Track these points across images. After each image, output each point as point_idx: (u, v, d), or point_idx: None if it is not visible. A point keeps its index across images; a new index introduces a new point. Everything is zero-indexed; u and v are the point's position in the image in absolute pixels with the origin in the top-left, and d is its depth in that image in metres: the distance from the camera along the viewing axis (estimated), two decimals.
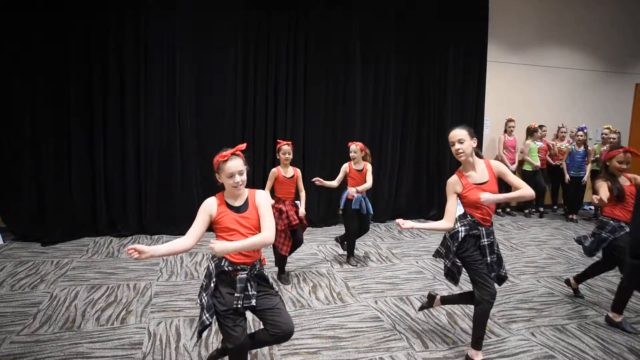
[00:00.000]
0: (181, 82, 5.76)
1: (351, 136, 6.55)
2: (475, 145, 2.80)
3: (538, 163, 7.19)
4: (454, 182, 2.83)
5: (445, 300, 3.23)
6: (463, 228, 2.82)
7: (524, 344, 3.14)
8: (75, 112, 5.39)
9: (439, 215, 7.01)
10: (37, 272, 4.32)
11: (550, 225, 6.85)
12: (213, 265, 2.32)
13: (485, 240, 2.82)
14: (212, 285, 2.29)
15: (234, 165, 2.25)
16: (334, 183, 4.71)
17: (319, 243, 5.62)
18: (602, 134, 7.36)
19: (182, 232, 5.92)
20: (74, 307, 3.57)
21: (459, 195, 2.83)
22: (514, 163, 7.27)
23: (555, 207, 7.80)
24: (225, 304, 2.27)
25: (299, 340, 3.11)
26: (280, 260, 4.25)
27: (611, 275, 4.47)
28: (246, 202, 2.33)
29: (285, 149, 4.21)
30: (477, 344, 2.84)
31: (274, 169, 4.25)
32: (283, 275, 4.28)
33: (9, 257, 4.78)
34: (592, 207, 7.84)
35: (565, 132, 7.49)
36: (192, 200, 5.77)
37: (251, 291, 2.30)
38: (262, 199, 2.36)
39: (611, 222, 3.49)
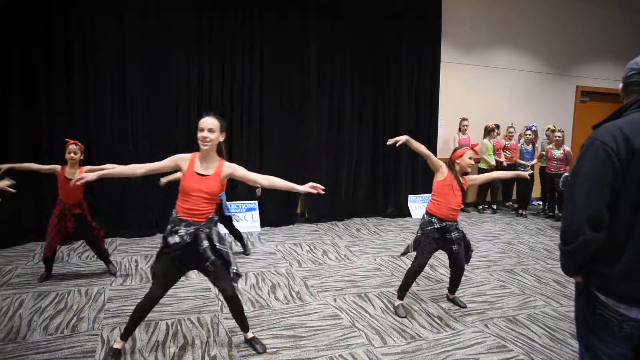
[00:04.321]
0: (132, 84, 5.58)
1: (307, 136, 6.58)
2: (222, 139, 2.81)
3: (493, 162, 7.45)
4: (183, 157, 2.78)
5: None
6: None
7: (478, 335, 3.25)
8: (17, 109, 5.10)
9: (396, 213, 7.16)
10: None
11: (502, 221, 7.12)
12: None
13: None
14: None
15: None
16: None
17: (278, 242, 5.60)
18: (546, 132, 7.74)
19: (135, 233, 5.78)
20: (18, 316, 3.38)
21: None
22: None
23: (509, 203, 8.11)
24: None
25: None
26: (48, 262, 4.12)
27: (558, 266, 4.70)
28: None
29: (71, 148, 3.94)
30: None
31: (57, 166, 3.97)
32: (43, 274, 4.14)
33: None
34: (540, 202, 8.20)
35: (513, 132, 7.79)
36: (144, 202, 5.61)
37: None
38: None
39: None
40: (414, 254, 3.61)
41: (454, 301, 3.82)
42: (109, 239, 5.47)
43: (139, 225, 5.68)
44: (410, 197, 7.33)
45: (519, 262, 5.01)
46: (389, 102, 7.10)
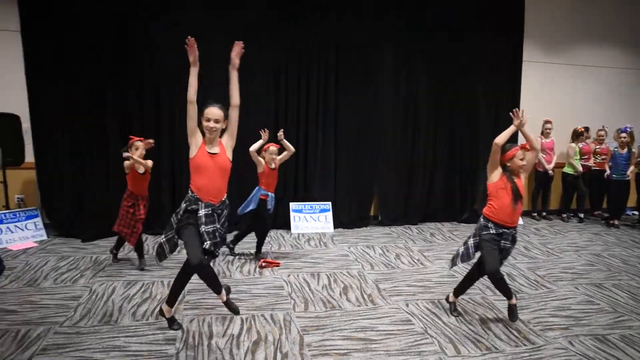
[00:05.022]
0: (213, 88, 5.85)
1: (383, 138, 6.53)
2: (224, 127, 3.10)
3: (580, 167, 6.96)
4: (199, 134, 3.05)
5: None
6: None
7: (562, 352, 3.04)
8: (112, 116, 5.57)
9: (473, 219, 6.90)
10: (77, 267, 4.49)
11: (589, 231, 6.61)
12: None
13: None
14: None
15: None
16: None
17: (350, 244, 5.61)
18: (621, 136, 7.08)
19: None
20: (111, 301, 3.68)
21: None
22: (551, 164, 7.06)
23: (598, 212, 7.50)
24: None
25: (329, 342, 3.11)
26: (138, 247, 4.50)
27: None
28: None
29: (137, 144, 4.33)
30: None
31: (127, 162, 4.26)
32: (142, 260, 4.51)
33: (52, 252, 4.98)
34: (636, 212, 7.52)
35: (604, 135, 7.21)
36: (168, 201, 5.88)
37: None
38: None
39: None
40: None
41: (453, 304, 3.63)
42: None
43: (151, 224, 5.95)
44: None
45: (610, 277, 4.62)
46: (466, 102, 6.85)
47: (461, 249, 3.43)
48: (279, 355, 2.92)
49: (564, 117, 7.41)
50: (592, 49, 7.57)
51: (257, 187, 4.70)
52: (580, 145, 7.08)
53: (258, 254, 4.87)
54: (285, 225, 6.22)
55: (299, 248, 5.41)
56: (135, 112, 5.66)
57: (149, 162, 4.32)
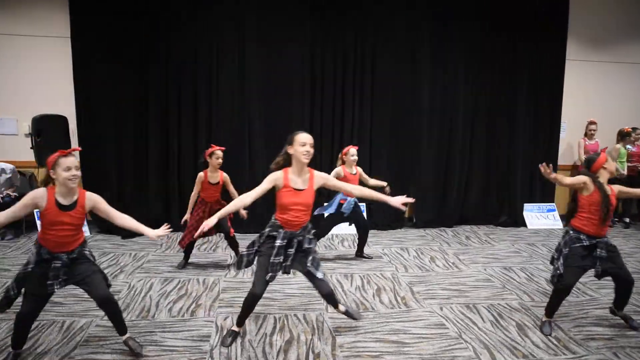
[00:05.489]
0: (249, 90, 5.96)
1: (418, 140, 6.46)
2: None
3: (624, 171, 6.66)
4: (277, 176, 2.95)
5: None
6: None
7: None
8: (153, 120, 5.77)
9: (509, 222, 6.72)
10: (117, 263, 4.65)
11: (637, 237, 6.31)
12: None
13: None
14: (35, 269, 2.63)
15: (72, 161, 2.56)
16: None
17: (384, 246, 5.57)
18: None
19: (248, 230, 6.15)
20: (149, 297, 3.79)
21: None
22: None
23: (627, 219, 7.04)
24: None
25: (361, 343, 3.10)
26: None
27: None
28: (75, 202, 2.63)
29: (218, 153, 4.36)
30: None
31: (200, 173, 4.40)
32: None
33: (94, 247, 5.16)
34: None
35: None
36: (260, 201, 5.93)
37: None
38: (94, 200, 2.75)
39: None
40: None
41: (624, 318, 3.45)
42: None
43: (252, 223, 6.03)
44: (526, 206, 6.82)
45: None
46: (505, 103, 6.68)
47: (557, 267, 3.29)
48: (311, 356, 2.93)
49: (610, 117, 7.10)
50: (638, 46, 7.22)
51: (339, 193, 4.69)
52: (629, 147, 6.77)
53: (359, 252, 5.07)
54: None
55: (333, 249, 5.41)
56: (174, 115, 5.82)
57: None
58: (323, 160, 6.11)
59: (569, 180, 3.28)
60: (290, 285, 4.13)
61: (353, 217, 4.82)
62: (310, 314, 3.54)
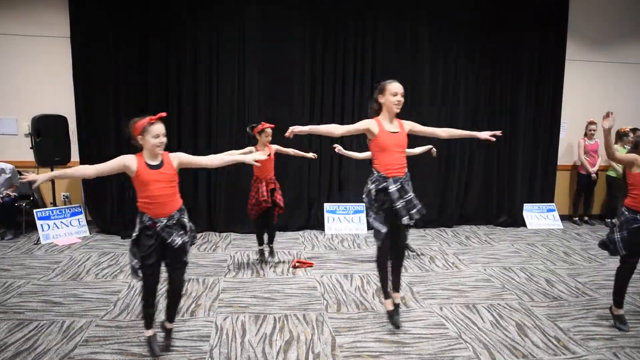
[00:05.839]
0: (250, 86, 5.96)
1: (418, 139, 6.41)
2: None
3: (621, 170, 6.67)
4: (370, 122, 3.16)
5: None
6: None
7: None
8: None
9: (509, 222, 6.72)
10: (117, 263, 4.65)
11: None
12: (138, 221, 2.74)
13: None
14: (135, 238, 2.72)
15: (160, 128, 2.69)
16: (357, 155, 4.75)
17: None
18: None
19: (249, 230, 6.14)
20: None
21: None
22: (594, 167, 6.79)
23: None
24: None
25: (361, 343, 3.10)
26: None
27: None
28: (162, 162, 2.75)
29: (268, 131, 4.44)
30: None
31: (251, 148, 4.38)
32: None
33: (93, 247, 5.18)
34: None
35: None
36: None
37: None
38: (177, 156, 2.87)
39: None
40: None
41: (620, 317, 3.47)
42: (224, 234, 5.91)
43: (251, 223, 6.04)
44: (526, 206, 6.82)
45: None
46: (505, 102, 6.68)
47: (614, 241, 3.43)
48: (310, 356, 2.93)
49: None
50: (638, 46, 7.22)
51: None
52: (626, 147, 6.77)
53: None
54: (319, 225, 6.24)
55: (333, 249, 5.41)
56: (174, 114, 5.81)
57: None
58: (323, 155, 6.08)
59: (619, 155, 3.39)
60: (290, 285, 4.13)
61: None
62: (310, 314, 3.54)
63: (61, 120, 5.56)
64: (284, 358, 2.89)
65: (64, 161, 5.60)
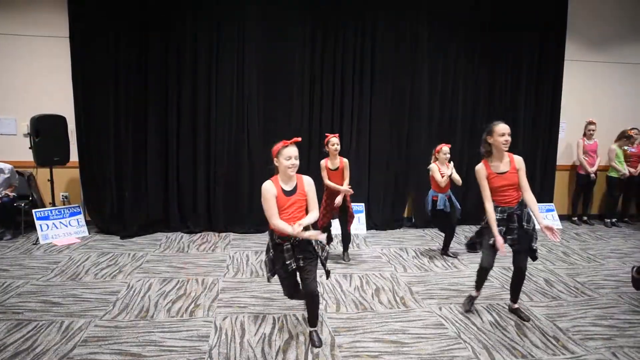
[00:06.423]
0: (249, 86, 5.96)
1: (417, 137, 6.46)
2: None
3: (624, 170, 6.67)
4: (480, 168, 3.45)
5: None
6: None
7: None
8: (152, 120, 5.76)
9: None
10: (116, 263, 4.64)
11: (636, 237, 6.31)
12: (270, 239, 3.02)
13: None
14: (271, 253, 2.99)
15: (293, 151, 2.88)
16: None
17: (383, 246, 5.57)
18: None
19: (248, 230, 6.15)
20: (147, 297, 3.79)
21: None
22: (593, 167, 6.79)
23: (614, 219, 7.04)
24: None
25: (360, 343, 3.10)
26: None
27: None
28: (295, 187, 2.95)
29: (333, 140, 4.60)
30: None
31: (322, 161, 4.69)
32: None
33: (92, 247, 5.17)
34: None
35: None
36: (258, 200, 5.93)
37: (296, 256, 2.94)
38: (309, 185, 2.99)
39: None
40: None
41: None
42: (224, 234, 5.90)
43: (251, 223, 6.04)
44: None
45: None
46: (504, 103, 6.68)
47: None
48: (310, 356, 2.93)
49: (609, 118, 7.11)
50: (637, 46, 7.23)
51: (430, 190, 5.06)
52: (627, 148, 6.77)
53: (444, 250, 5.24)
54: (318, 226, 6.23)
55: (332, 249, 5.40)
56: (173, 115, 5.81)
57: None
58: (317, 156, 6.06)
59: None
60: None
61: (451, 211, 5.02)
62: None
63: (60, 120, 5.55)
64: (283, 358, 2.89)
65: (63, 161, 5.59)
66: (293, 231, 2.76)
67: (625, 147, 6.78)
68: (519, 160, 3.41)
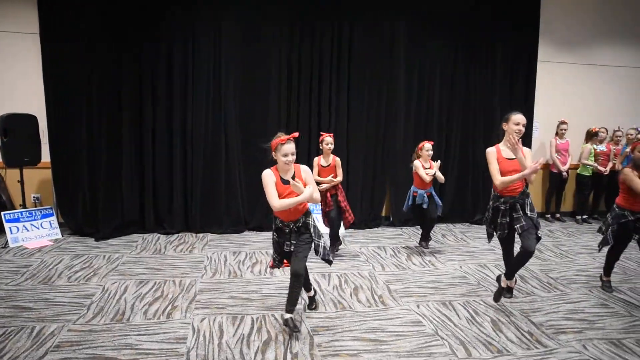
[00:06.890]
0: (226, 85, 5.90)
1: (393, 136, 6.51)
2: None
3: (601, 167, 6.84)
4: (492, 151, 3.60)
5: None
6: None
7: (575, 356, 3.00)
8: (127, 118, 5.64)
9: (484, 220, 6.82)
10: (91, 266, 4.54)
11: None
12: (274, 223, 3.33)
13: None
14: (275, 236, 3.34)
15: (289, 148, 3.11)
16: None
17: (361, 245, 5.60)
18: (628, 134, 7.03)
19: (225, 230, 6.10)
20: (123, 300, 3.72)
21: None
22: (566, 165, 6.97)
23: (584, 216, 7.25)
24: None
25: (339, 342, 3.11)
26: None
27: None
28: (293, 176, 3.19)
29: (328, 139, 4.82)
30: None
31: (315, 157, 4.93)
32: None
33: (66, 250, 5.05)
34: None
35: (621, 136, 7.12)
36: (235, 200, 5.91)
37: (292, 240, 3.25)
38: (306, 172, 3.28)
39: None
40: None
41: (607, 282, 4.21)
42: (201, 234, 5.84)
43: (229, 223, 5.98)
44: None
45: (625, 280, 4.54)
46: (479, 103, 6.80)
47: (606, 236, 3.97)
48: (289, 356, 2.92)
49: (581, 117, 7.30)
50: (609, 48, 7.44)
51: (412, 186, 5.20)
52: (595, 146, 6.97)
53: (421, 242, 5.39)
54: None
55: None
56: (148, 113, 5.71)
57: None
58: (301, 152, 6.04)
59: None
60: (267, 286, 4.11)
61: (429, 206, 5.13)
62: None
63: (31, 120, 5.40)
64: (262, 358, 2.88)
65: (34, 161, 5.44)
66: (294, 187, 3.04)
67: (595, 146, 6.98)
68: (527, 151, 3.55)
